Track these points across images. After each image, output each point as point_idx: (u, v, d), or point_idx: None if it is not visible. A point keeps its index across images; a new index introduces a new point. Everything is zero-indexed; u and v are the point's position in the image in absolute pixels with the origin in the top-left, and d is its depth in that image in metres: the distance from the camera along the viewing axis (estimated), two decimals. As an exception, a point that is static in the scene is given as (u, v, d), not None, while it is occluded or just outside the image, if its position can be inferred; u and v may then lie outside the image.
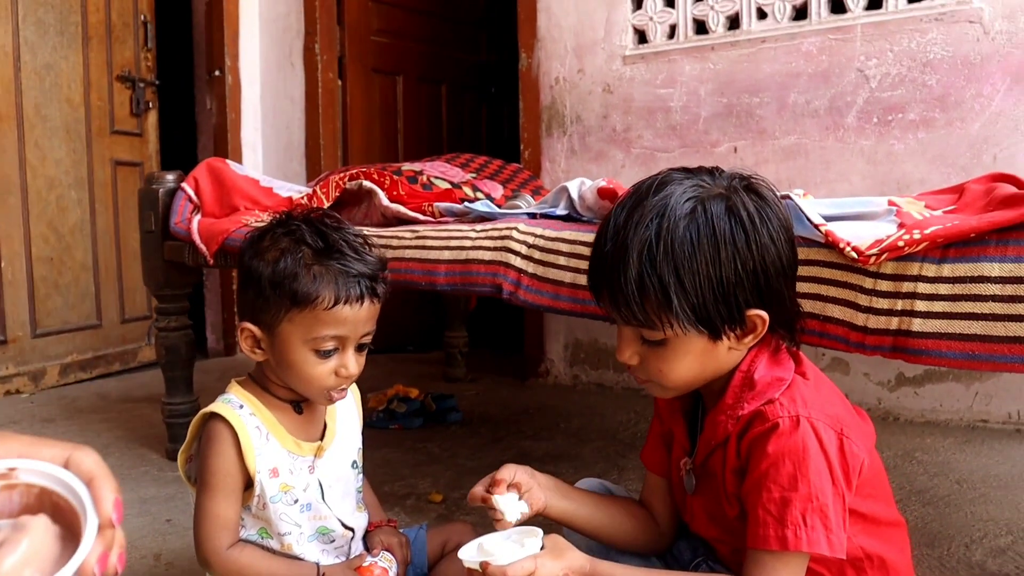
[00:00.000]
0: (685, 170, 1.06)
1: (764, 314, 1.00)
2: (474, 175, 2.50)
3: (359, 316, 1.19)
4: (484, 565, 1.04)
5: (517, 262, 1.48)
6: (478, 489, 1.15)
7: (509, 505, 1.11)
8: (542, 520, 1.15)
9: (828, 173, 2.50)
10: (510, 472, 1.16)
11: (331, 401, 1.24)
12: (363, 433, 1.38)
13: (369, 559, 1.30)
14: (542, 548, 1.06)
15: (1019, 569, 1.53)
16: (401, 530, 1.41)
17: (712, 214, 0.98)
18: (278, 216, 1.27)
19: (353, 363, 1.21)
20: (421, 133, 4.02)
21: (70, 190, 3.28)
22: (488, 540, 1.10)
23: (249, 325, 1.22)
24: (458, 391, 2.85)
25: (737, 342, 1.03)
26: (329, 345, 1.19)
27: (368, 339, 1.23)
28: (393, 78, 3.89)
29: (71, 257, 3.29)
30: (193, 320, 2.33)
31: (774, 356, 1.06)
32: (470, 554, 1.07)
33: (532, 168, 2.95)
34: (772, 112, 2.58)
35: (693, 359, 1.03)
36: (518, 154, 3.05)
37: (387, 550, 1.33)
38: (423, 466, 2.19)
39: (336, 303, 1.17)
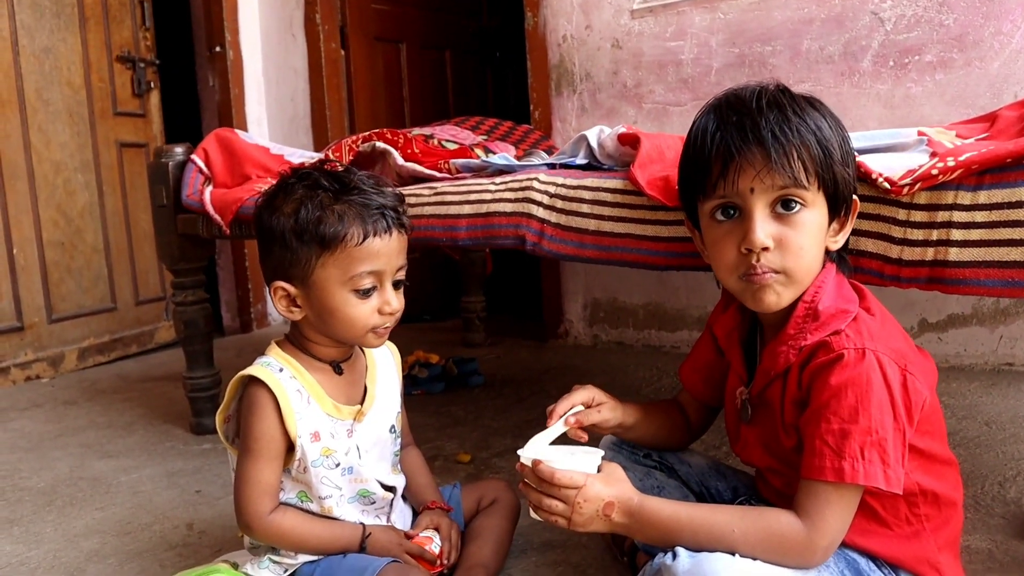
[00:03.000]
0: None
1: (856, 199, 1.07)
2: (485, 137, 2.47)
3: (391, 248, 1.18)
4: (536, 463, 1.04)
5: (539, 212, 1.46)
6: (562, 408, 1.19)
7: (591, 457, 1.09)
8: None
9: (844, 119, 2.39)
10: (586, 395, 1.21)
11: (380, 339, 1.23)
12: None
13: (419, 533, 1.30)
14: (598, 471, 1.06)
15: (1057, 503, 1.52)
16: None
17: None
18: (285, 174, 1.25)
19: (394, 298, 1.20)
20: (427, 101, 3.98)
21: (77, 173, 3.26)
22: (551, 447, 1.11)
23: (281, 283, 1.20)
24: (478, 356, 2.84)
25: (834, 232, 1.07)
26: (367, 282, 1.17)
27: (402, 274, 1.22)
28: (396, 46, 3.85)
29: (82, 240, 3.28)
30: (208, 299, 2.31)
31: (838, 289, 1.06)
32: (528, 451, 1.08)
33: (543, 128, 2.91)
34: (785, 60, 2.54)
35: (816, 238, 1.04)
36: (526, 118, 3.02)
37: (435, 529, 1.32)
38: (448, 428, 2.19)
39: (366, 237, 1.15)
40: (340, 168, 1.25)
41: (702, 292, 2.85)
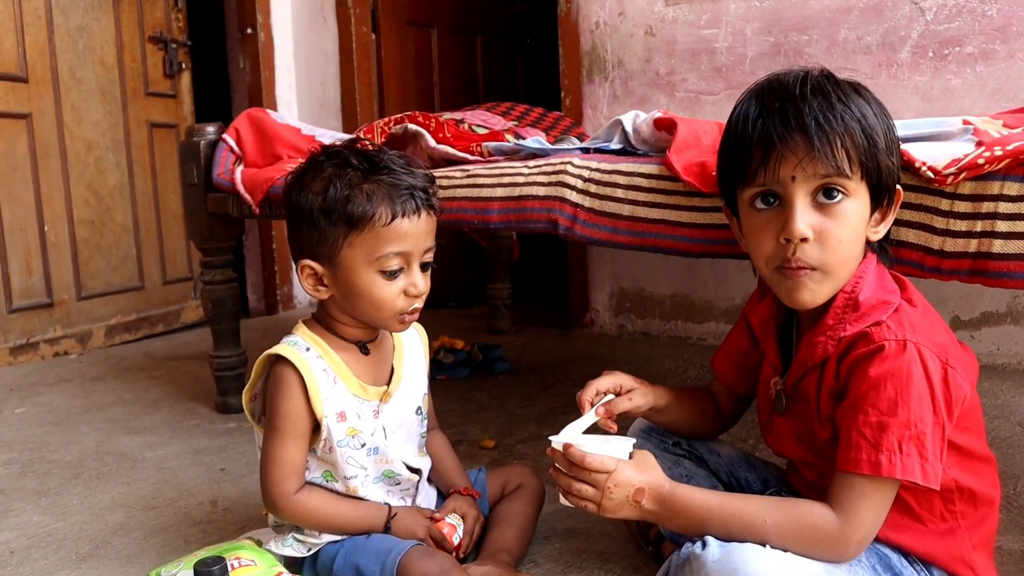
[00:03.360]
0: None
1: (900, 188, 1.04)
2: (515, 123, 2.45)
3: (419, 229, 1.17)
4: (566, 446, 1.04)
5: (573, 196, 1.44)
6: (589, 395, 1.18)
7: (623, 443, 1.08)
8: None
9: (881, 111, 2.42)
10: (614, 381, 1.20)
11: (404, 324, 1.22)
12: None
13: (444, 518, 1.29)
14: (630, 457, 1.05)
15: (1094, 506, 1.49)
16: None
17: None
18: (315, 152, 1.24)
19: (421, 280, 1.19)
20: (457, 86, 3.96)
21: (108, 152, 3.28)
22: (582, 434, 1.10)
23: (308, 262, 1.19)
24: (503, 343, 2.83)
25: (875, 223, 1.05)
26: (394, 264, 1.16)
27: (430, 256, 1.21)
28: (427, 30, 3.84)
29: (111, 219, 3.30)
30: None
31: (879, 280, 1.04)
32: (560, 437, 1.07)
33: (573, 115, 2.89)
34: (822, 50, 2.50)
35: (857, 229, 1.01)
36: (556, 105, 2.99)
37: (460, 515, 1.32)
38: (472, 414, 2.18)
39: (394, 218, 1.14)
40: (371, 148, 1.24)
41: (730, 284, 2.81)
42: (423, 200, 1.17)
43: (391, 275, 1.17)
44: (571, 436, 1.09)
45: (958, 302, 2.45)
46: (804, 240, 0.99)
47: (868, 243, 1.04)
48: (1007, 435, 1.86)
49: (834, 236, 0.99)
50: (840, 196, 0.99)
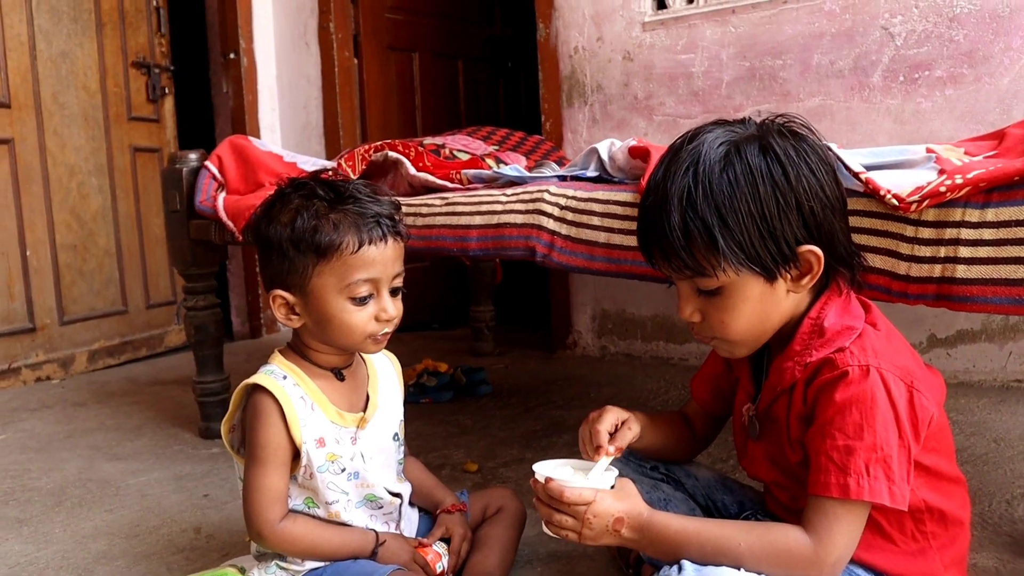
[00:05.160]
0: (717, 122, 1.06)
1: (817, 250, 1.00)
2: (496, 147, 2.48)
3: (386, 256, 1.19)
4: (548, 480, 1.05)
5: (550, 224, 1.47)
6: (603, 439, 1.16)
7: (605, 474, 1.10)
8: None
9: (854, 134, 2.47)
10: (612, 420, 1.19)
11: (379, 344, 1.24)
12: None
13: (431, 544, 1.31)
14: (611, 488, 1.06)
15: (1064, 523, 1.52)
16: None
17: (747, 154, 0.99)
18: (282, 184, 1.26)
19: (391, 305, 1.21)
20: (439, 109, 4.00)
21: (91, 177, 3.29)
22: (566, 464, 1.12)
23: (280, 292, 1.21)
24: (486, 365, 2.84)
25: (795, 283, 1.03)
26: (364, 290, 1.18)
27: (399, 281, 1.23)
28: (409, 54, 3.87)
29: (94, 244, 3.30)
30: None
31: (844, 305, 1.05)
32: (542, 468, 1.09)
33: (554, 139, 2.93)
34: (796, 74, 2.55)
35: (753, 306, 1.02)
36: (537, 128, 3.03)
37: (446, 539, 1.33)
38: (456, 438, 2.19)
39: (361, 246, 1.16)
40: (338, 178, 1.27)
41: (710, 304, 2.84)
42: (389, 227, 1.19)
43: (361, 301, 1.19)
44: (552, 468, 1.10)
45: (934, 320, 2.49)
46: (695, 321, 1.06)
47: (835, 268, 1.04)
48: (983, 452, 1.88)
49: (717, 319, 1.04)
50: (715, 288, 1.02)
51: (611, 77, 2.88)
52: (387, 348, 1.32)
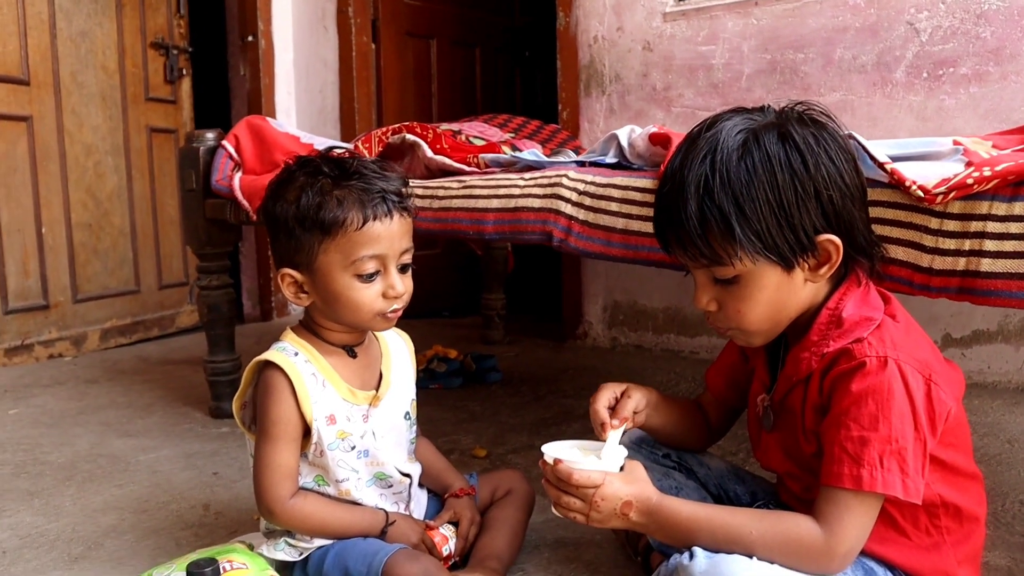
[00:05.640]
0: (736, 109, 1.05)
1: (836, 239, 0.99)
2: (512, 135, 2.47)
3: (392, 232, 1.18)
4: (556, 462, 1.05)
5: (568, 209, 1.46)
6: (601, 409, 1.17)
7: (615, 450, 1.10)
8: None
9: (875, 130, 2.44)
10: (635, 403, 1.19)
11: (389, 322, 1.23)
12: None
13: (438, 527, 1.31)
14: (620, 470, 1.06)
15: (1079, 524, 1.50)
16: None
17: (765, 142, 0.98)
18: (289, 163, 1.25)
19: (399, 282, 1.20)
20: (455, 97, 3.99)
21: (107, 156, 3.29)
22: (575, 445, 1.11)
23: (288, 270, 1.21)
24: (497, 353, 2.84)
25: (812, 273, 1.01)
26: (370, 267, 1.17)
27: (408, 257, 1.22)
28: (427, 41, 3.86)
29: (109, 223, 3.31)
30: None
31: (863, 295, 1.04)
32: (551, 449, 1.08)
33: (570, 129, 2.91)
34: (817, 68, 2.52)
35: (770, 295, 1.01)
36: (554, 118, 3.02)
37: (455, 522, 1.33)
38: (465, 423, 2.19)
39: (365, 222, 1.15)
40: (345, 155, 1.26)
41: (724, 298, 2.83)
42: (395, 203, 1.18)
43: (368, 278, 1.18)
44: (562, 449, 1.10)
45: (949, 320, 2.46)
46: (711, 310, 1.05)
47: (854, 258, 1.03)
48: (996, 452, 1.87)
49: (733, 308, 1.03)
50: (732, 276, 1.00)
51: (630, 67, 2.86)
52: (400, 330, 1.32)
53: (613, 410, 1.18)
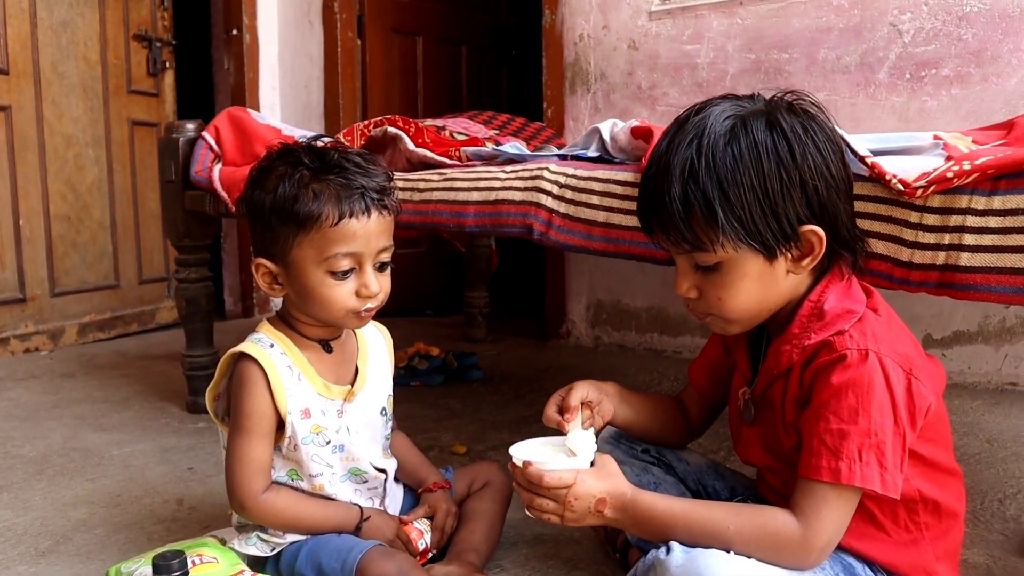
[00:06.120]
0: (725, 96, 1.04)
1: (819, 230, 0.98)
2: (496, 132, 2.46)
3: (369, 230, 1.14)
4: (526, 464, 1.03)
5: (548, 202, 1.45)
6: (552, 413, 1.15)
7: (584, 443, 1.08)
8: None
9: (857, 130, 2.44)
10: (581, 393, 1.16)
11: (362, 320, 1.20)
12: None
13: (413, 522, 1.29)
14: (591, 465, 1.04)
15: (1056, 522, 1.51)
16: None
17: (753, 128, 0.97)
18: (271, 151, 1.22)
19: (374, 281, 1.16)
20: (441, 94, 3.97)
21: (87, 148, 3.26)
22: (543, 443, 1.10)
23: (263, 260, 1.19)
24: (479, 351, 2.83)
25: (795, 264, 1.01)
26: (344, 264, 1.14)
27: (386, 256, 1.19)
28: (413, 38, 3.85)
29: (89, 216, 3.27)
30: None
31: (845, 289, 1.03)
32: (519, 451, 1.07)
33: (555, 126, 2.90)
34: (801, 68, 2.53)
35: (751, 284, 1.00)
36: (539, 117, 3.00)
37: (431, 516, 1.31)
38: (445, 420, 2.17)
39: (341, 218, 1.12)
40: (328, 146, 1.23)
41: (707, 298, 2.83)
42: (374, 200, 1.14)
43: (342, 275, 1.15)
44: (530, 449, 1.08)
45: (930, 320, 2.47)
46: (691, 297, 1.04)
47: (838, 251, 1.03)
48: (976, 451, 1.87)
49: (714, 296, 1.02)
50: (714, 263, 1.00)
51: (615, 66, 2.85)
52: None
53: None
